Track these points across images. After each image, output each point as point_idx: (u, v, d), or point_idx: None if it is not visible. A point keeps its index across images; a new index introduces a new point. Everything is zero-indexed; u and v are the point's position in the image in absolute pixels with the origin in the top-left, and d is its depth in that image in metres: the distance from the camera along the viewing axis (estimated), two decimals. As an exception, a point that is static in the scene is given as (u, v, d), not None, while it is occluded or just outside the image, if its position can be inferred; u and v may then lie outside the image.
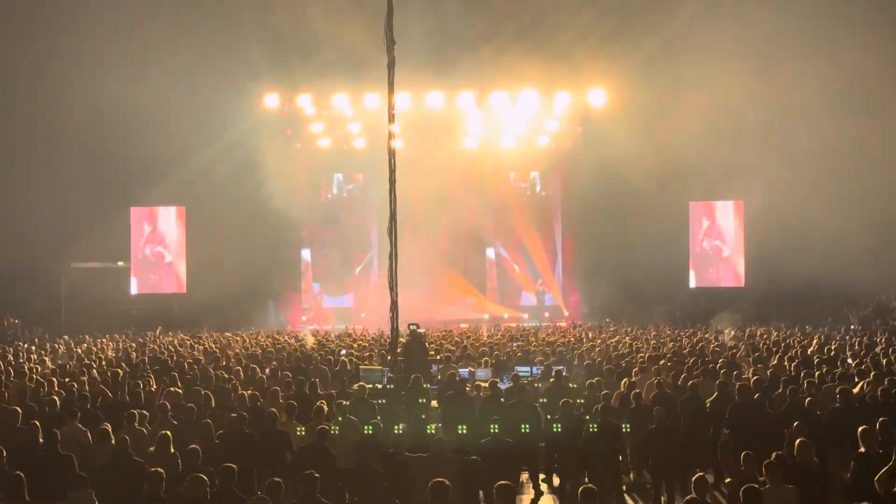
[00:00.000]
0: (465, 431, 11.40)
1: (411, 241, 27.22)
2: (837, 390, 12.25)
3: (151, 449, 10.35)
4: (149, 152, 29.44)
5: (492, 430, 11.46)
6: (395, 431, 11.65)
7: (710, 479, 11.52)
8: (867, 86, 28.14)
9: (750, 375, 14.42)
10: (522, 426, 11.93)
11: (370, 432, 11.34)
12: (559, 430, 12.18)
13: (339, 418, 11.78)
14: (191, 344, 21.89)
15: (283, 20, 28.59)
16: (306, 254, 35.61)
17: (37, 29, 28.82)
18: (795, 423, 10.90)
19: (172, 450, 10.14)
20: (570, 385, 14.44)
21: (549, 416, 12.71)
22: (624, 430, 11.98)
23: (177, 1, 27.94)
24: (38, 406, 12.15)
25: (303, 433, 11.43)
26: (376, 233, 33.29)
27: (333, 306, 34.89)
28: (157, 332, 26.32)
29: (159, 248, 33.96)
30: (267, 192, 30.57)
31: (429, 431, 11.80)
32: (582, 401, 13.23)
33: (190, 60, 28.35)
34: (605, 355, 18.21)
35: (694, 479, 8.86)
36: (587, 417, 12.22)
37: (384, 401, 13.21)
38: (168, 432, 10.43)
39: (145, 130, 28.96)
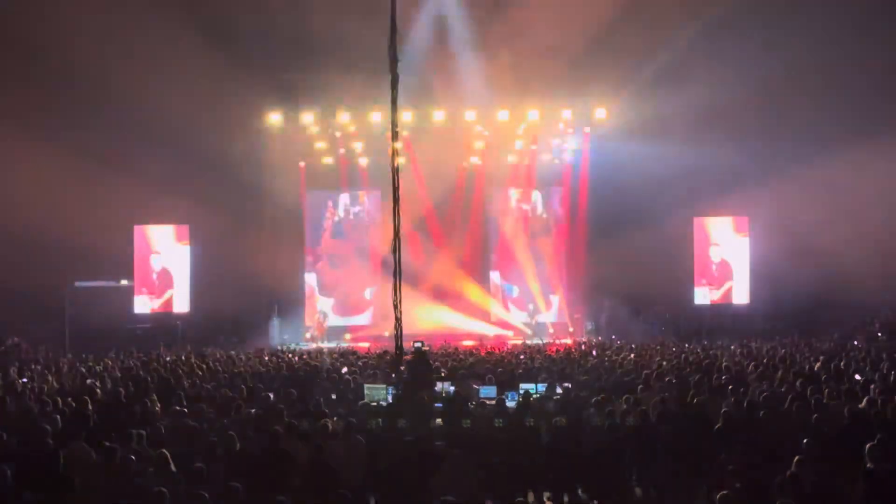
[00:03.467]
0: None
1: (416, 259, 27.26)
2: (846, 407, 12.15)
3: (151, 469, 10.26)
4: (152, 170, 29.45)
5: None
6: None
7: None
8: (873, 100, 28.14)
9: (756, 392, 14.32)
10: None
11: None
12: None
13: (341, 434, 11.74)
14: (195, 362, 21.80)
15: (286, 37, 28.71)
16: (311, 274, 35.50)
17: (42, 42, 28.89)
18: (804, 441, 10.81)
19: (173, 468, 10.05)
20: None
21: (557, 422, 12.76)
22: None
23: (179, 19, 27.99)
24: (42, 425, 12.08)
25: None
26: (380, 252, 33.19)
27: (341, 325, 34.76)
28: (160, 350, 26.23)
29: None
30: (271, 210, 30.54)
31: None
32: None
33: (193, 78, 28.41)
34: (611, 372, 18.14)
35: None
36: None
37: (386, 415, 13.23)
38: (166, 451, 10.33)
39: (148, 148, 29.01)
